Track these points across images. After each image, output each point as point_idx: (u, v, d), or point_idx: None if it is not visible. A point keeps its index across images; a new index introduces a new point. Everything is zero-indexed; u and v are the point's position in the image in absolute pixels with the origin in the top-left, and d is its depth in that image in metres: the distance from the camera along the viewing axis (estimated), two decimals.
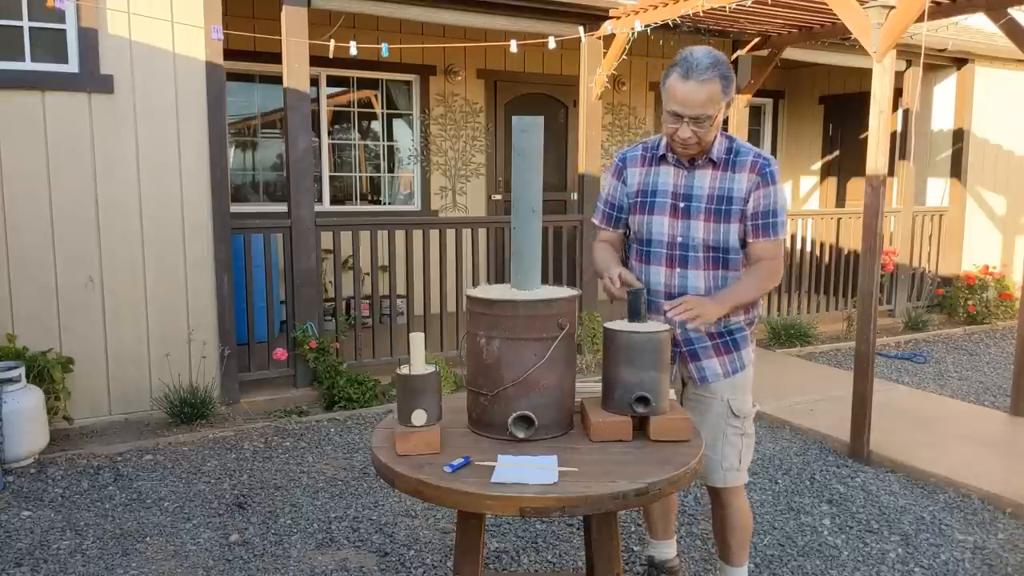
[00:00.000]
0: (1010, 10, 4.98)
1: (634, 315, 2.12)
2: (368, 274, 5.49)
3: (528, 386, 1.95)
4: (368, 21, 6.67)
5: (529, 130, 2.05)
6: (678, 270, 2.39)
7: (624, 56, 5.79)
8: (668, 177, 2.40)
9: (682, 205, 2.37)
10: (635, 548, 3.15)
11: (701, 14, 5.33)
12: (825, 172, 9.56)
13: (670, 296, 2.38)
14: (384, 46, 5.05)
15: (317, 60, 5.36)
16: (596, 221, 2.59)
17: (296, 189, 5.06)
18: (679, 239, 2.38)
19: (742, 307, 2.36)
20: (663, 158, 2.41)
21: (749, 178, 2.31)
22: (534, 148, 2.06)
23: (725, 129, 2.42)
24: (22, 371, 3.99)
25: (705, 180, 2.35)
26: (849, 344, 6.60)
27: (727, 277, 2.38)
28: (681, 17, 5.34)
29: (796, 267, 7.20)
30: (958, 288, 7.89)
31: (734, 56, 6.66)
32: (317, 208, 5.49)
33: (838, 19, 5.07)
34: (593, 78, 5.99)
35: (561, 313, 1.99)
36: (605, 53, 5.97)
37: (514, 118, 2.05)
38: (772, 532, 3.30)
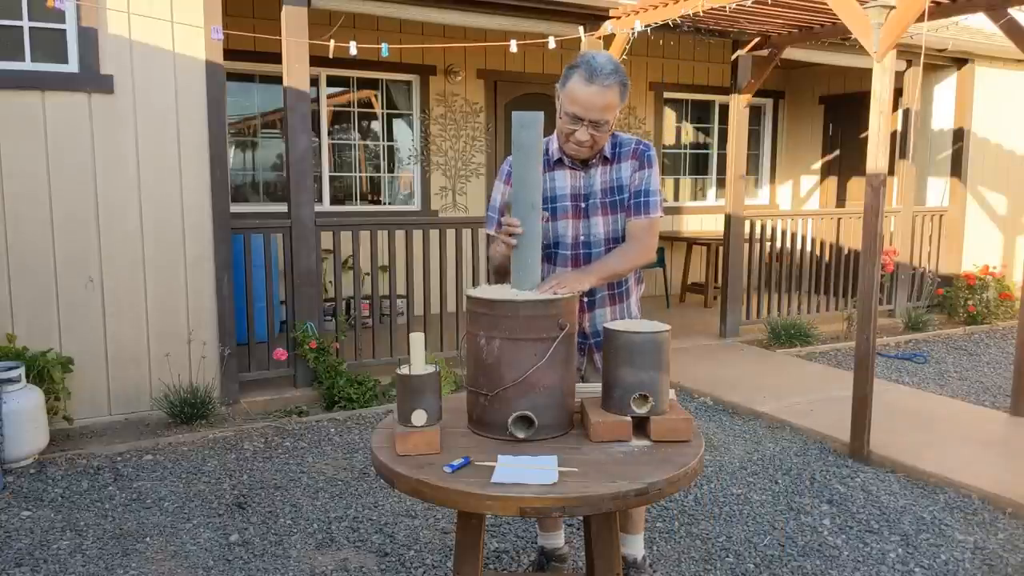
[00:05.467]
0: (1010, 10, 4.98)
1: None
2: (368, 274, 5.49)
3: (528, 386, 1.95)
4: (368, 21, 6.68)
5: (529, 126, 2.04)
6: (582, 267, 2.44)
7: (624, 56, 5.79)
8: (566, 180, 2.45)
9: (583, 205, 2.44)
10: None
11: (701, 14, 5.33)
12: (825, 172, 9.56)
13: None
14: (384, 46, 5.05)
15: (317, 60, 5.36)
16: (491, 232, 2.47)
17: (296, 189, 5.06)
18: (582, 238, 2.46)
19: (610, 279, 2.41)
20: (559, 162, 2.43)
21: (632, 164, 2.42)
22: (534, 144, 2.05)
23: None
24: (22, 371, 3.99)
25: (598, 176, 2.43)
26: (849, 344, 6.60)
27: None
28: (681, 17, 5.35)
29: (796, 267, 7.20)
30: (958, 288, 7.88)
31: (734, 56, 6.65)
32: (317, 208, 5.50)
33: (838, 19, 5.07)
34: None
35: (561, 313, 1.99)
36: None
37: (514, 113, 2.05)
38: (772, 532, 3.29)
